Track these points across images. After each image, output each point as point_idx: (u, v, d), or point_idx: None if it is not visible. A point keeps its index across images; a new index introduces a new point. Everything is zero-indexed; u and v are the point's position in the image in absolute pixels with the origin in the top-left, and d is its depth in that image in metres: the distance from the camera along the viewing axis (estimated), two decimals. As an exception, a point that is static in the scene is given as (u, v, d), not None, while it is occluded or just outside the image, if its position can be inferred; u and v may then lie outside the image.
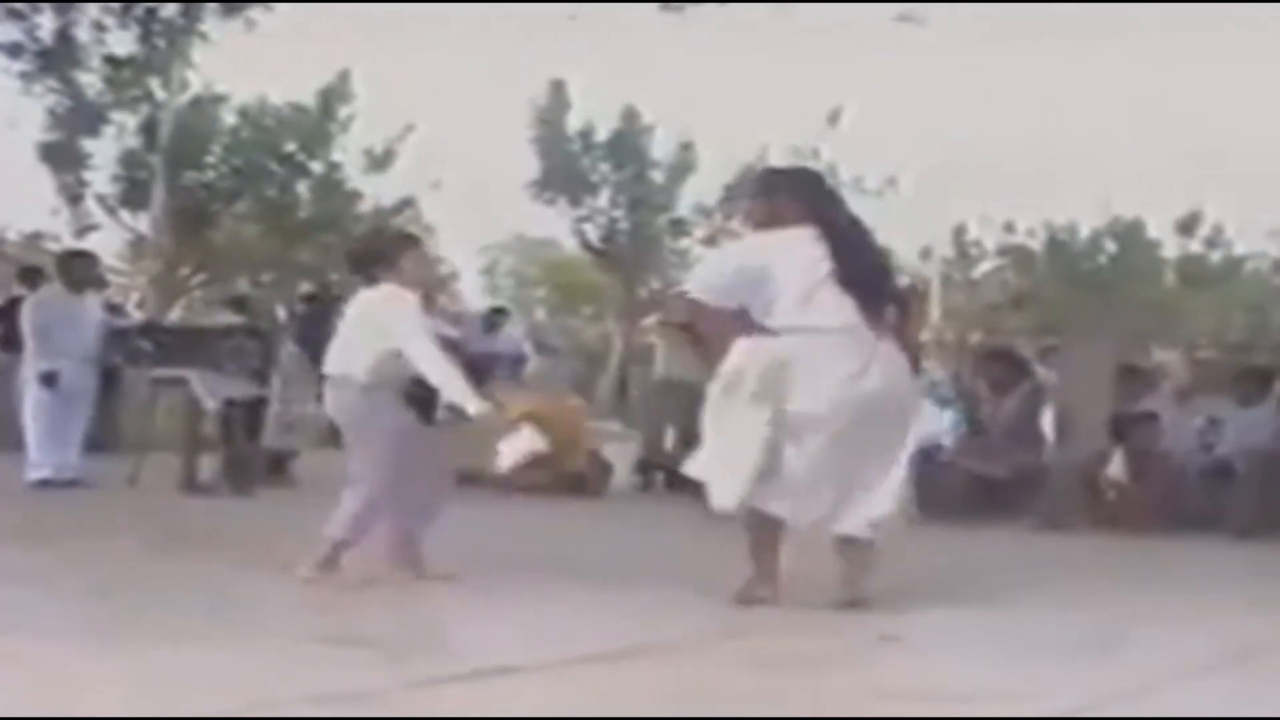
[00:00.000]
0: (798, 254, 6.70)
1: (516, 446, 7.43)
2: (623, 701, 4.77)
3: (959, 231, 35.93)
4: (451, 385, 7.14)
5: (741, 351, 6.67)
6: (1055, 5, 24.29)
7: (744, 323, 6.74)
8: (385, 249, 7.44)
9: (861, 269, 6.79)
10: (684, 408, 13.67)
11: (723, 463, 6.70)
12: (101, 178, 27.50)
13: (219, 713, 4.41)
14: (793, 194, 6.96)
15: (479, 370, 19.55)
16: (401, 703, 4.70)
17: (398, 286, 7.20)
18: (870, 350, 6.66)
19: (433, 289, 7.52)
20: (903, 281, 7.21)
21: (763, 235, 6.91)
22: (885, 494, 6.74)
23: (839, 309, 6.66)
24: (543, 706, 4.71)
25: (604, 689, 5.00)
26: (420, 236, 7.69)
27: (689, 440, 13.39)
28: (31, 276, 14.18)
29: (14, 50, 16.39)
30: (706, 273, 7.24)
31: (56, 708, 4.40)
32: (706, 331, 7.09)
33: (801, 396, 6.58)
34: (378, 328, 7.14)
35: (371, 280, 7.27)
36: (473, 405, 7.14)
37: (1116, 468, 11.29)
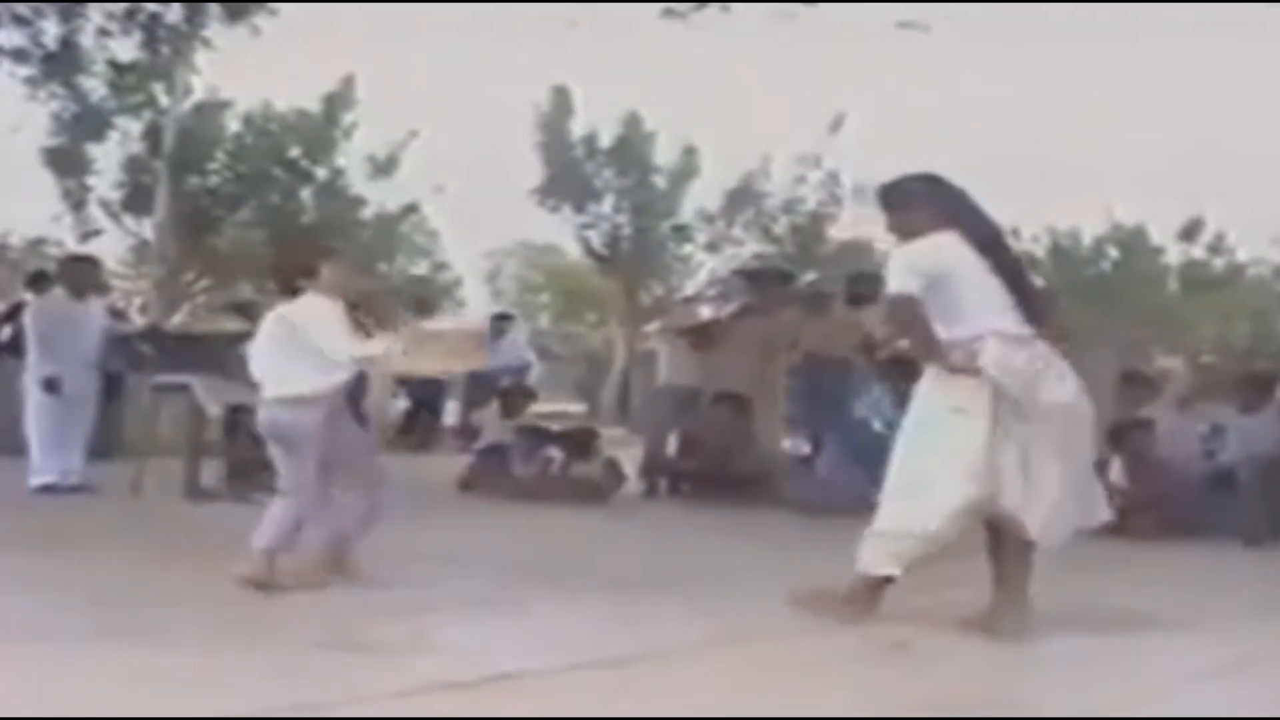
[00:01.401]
0: (964, 257, 6.53)
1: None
2: (625, 708, 4.78)
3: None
4: (356, 349, 7.27)
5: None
6: (1058, 11, 24.29)
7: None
8: (304, 259, 7.48)
9: (1017, 272, 6.72)
10: (686, 413, 13.75)
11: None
12: (105, 183, 27.50)
13: (219, 718, 4.42)
14: (929, 201, 6.74)
15: (484, 376, 19.61)
16: (400, 709, 4.70)
17: (316, 295, 7.25)
18: (1047, 354, 6.57)
19: (352, 299, 7.56)
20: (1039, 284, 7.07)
21: (936, 237, 6.60)
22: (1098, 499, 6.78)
23: (1011, 313, 6.53)
24: (546, 712, 4.71)
25: (605, 695, 5.00)
26: (338, 248, 7.77)
27: (689, 446, 13.51)
28: (40, 281, 14.18)
29: (18, 55, 16.42)
30: (901, 272, 6.61)
31: (56, 712, 4.40)
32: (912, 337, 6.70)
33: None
34: (302, 340, 7.19)
35: (293, 292, 7.32)
36: (378, 346, 7.40)
37: (1115, 474, 11.28)
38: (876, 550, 6.55)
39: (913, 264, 6.54)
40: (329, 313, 7.20)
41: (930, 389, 6.59)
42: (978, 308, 6.48)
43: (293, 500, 7.14)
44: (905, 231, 6.75)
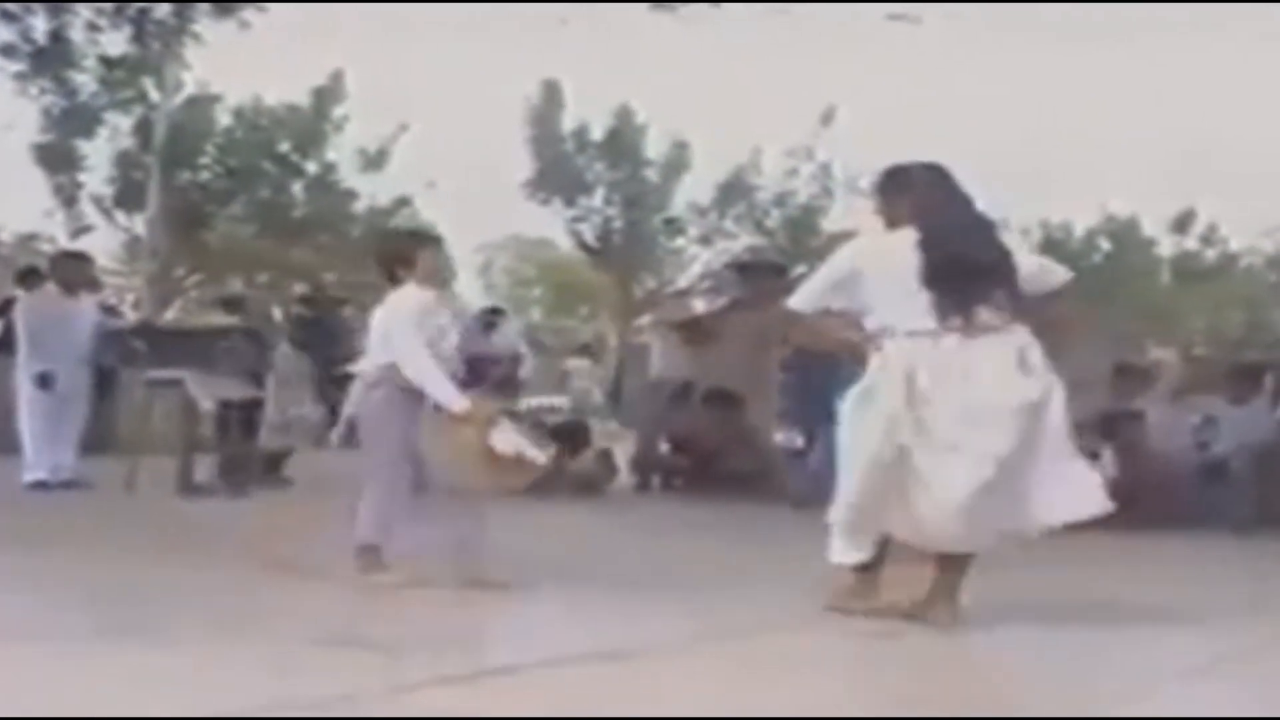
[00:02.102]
0: (896, 256, 6.54)
1: (509, 439, 7.27)
2: (618, 702, 4.77)
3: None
4: (432, 386, 7.05)
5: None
6: (1051, 7, 24.27)
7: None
8: (401, 247, 7.43)
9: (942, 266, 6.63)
10: (679, 407, 13.75)
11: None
12: (96, 179, 27.53)
13: (215, 715, 4.41)
14: (908, 192, 6.78)
15: (475, 371, 19.60)
16: (398, 705, 4.69)
17: (412, 286, 7.20)
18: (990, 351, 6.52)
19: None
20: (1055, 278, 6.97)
21: (865, 238, 6.84)
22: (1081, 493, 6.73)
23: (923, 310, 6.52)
24: (540, 707, 4.71)
25: (599, 690, 5.00)
26: (435, 235, 7.65)
27: (682, 440, 13.51)
28: (30, 278, 14.16)
29: (7, 51, 16.37)
30: (808, 283, 6.91)
31: (50, 711, 4.39)
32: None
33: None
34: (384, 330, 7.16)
35: (394, 280, 7.27)
36: (457, 404, 7.07)
37: (1107, 465, 11.29)
38: (833, 541, 6.61)
39: (820, 272, 6.79)
40: (407, 313, 7.13)
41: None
42: (885, 306, 6.54)
43: (367, 491, 7.10)
44: (889, 220, 6.78)
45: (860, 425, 6.58)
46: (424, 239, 7.66)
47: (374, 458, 7.19)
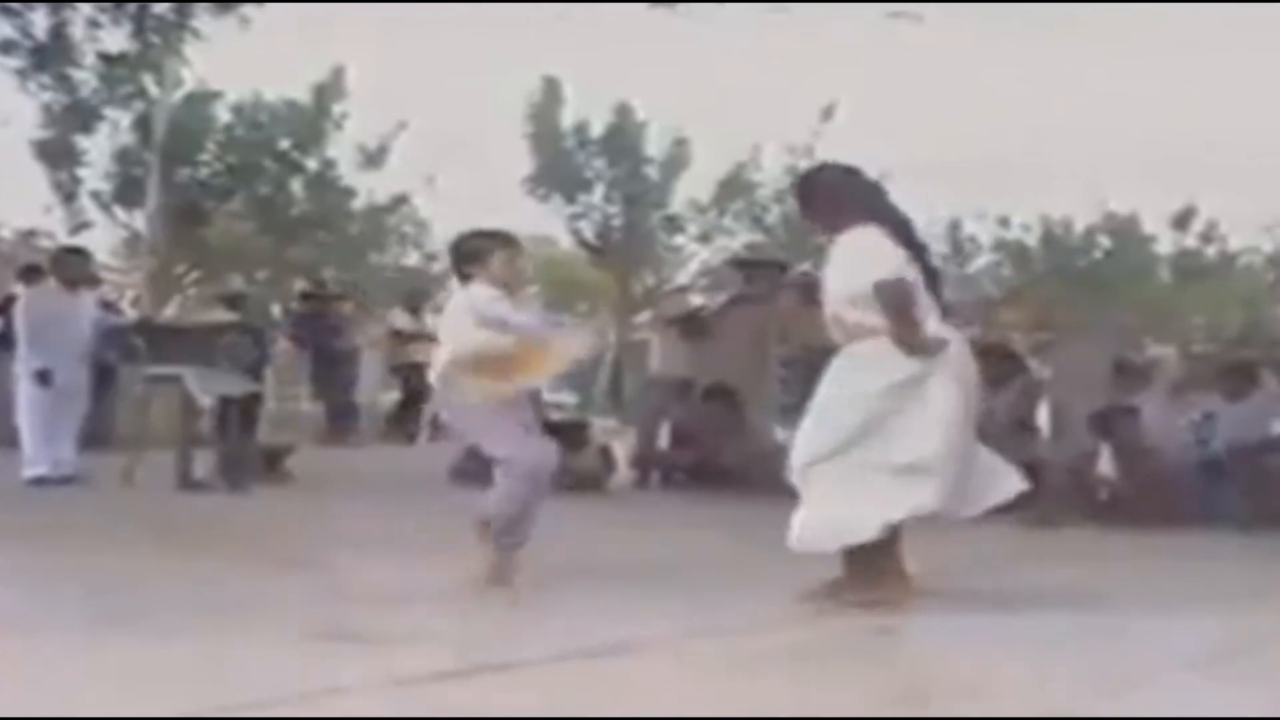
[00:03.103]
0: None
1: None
2: (614, 698, 4.78)
3: (954, 227, 35.90)
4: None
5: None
6: (1049, 4, 24.25)
7: None
8: (479, 247, 7.42)
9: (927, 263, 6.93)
10: (678, 404, 13.75)
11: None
12: (96, 175, 27.51)
13: (213, 709, 4.42)
14: (851, 193, 6.93)
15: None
16: (391, 700, 4.70)
17: (485, 284, 7.21)
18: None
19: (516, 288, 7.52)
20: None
21: (872, 232, 6.81)
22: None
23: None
24: (537, 703, 4.71)
25: (595, 686, 5.01)
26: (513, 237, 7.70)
27: (681, 437, 13.51)
28: (32, 275, 14.17)
29: (7, 47, 16.36)
30: (888, 261, 6.82)
31: (49, 705, 4.40)
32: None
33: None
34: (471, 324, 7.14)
35: (465, 278, 7.29)
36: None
37: (1105, 463, 11.30)
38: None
39: (888, 252, 6.62)
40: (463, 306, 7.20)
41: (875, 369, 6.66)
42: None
43: (509, 469, 7.15)
44: (830, 224, 6.85)
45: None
46: (501, 239, 7.60)
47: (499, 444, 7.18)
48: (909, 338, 6.61)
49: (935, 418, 6.58)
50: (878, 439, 6.61)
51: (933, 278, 6.89)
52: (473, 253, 7.32)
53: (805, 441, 6.83)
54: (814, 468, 6.73)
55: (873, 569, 6.72)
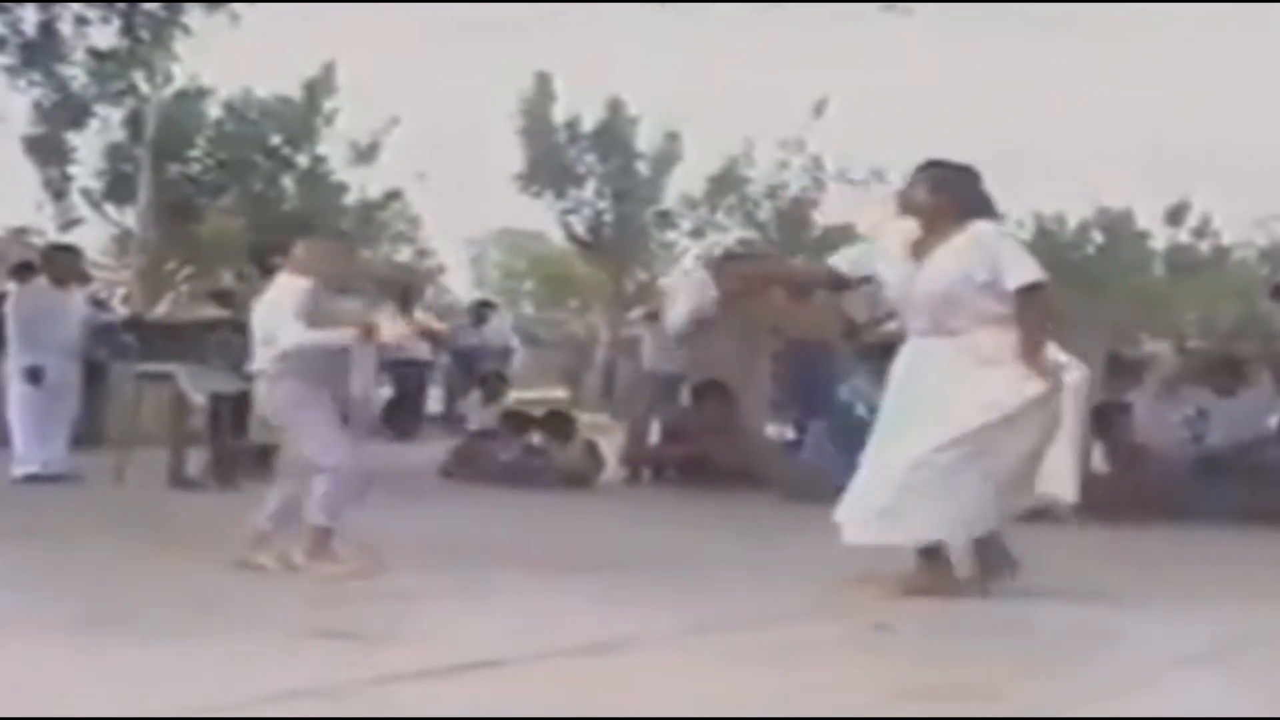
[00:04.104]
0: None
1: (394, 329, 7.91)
2: (606, 695, 4.76)
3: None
4: (319, 338, 7.42)
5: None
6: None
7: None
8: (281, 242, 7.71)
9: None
10: (670, 399, 13.74)
11: None
12: (86, 171, 27.48)
13: (203, 708, 4.40)
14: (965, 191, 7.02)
15: (468, 363, 19.58)
16: (381, 697, 4.68)
17: (288, 275, 7.48)
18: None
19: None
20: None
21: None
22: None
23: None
24: (526, 700, 4.69)
25: (586, 682, 5.00)
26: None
27: (673, 433, 13.49)
28: (23, 272, 14.14)
29: (-3, 43, 16.35)
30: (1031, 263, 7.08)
31: (37, 702, 4.38)
32: None
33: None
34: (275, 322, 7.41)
35: (268, 271, 7.52)
36: (344, 334, 7.51)
37: (1096, 459, 11.29)
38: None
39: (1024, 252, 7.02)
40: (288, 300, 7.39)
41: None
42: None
43: (329, 470, 7.34)
44: (930, 215, 6.91)
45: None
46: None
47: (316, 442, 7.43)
48: (1038, 350, 6.78)
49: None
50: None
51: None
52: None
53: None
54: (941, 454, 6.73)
55: (943, 564, 6.90)
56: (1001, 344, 6.73)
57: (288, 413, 7.46)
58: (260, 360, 7.44)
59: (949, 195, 6.92)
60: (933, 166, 7.09)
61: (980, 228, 6.88)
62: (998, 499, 6.79)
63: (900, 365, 7.02)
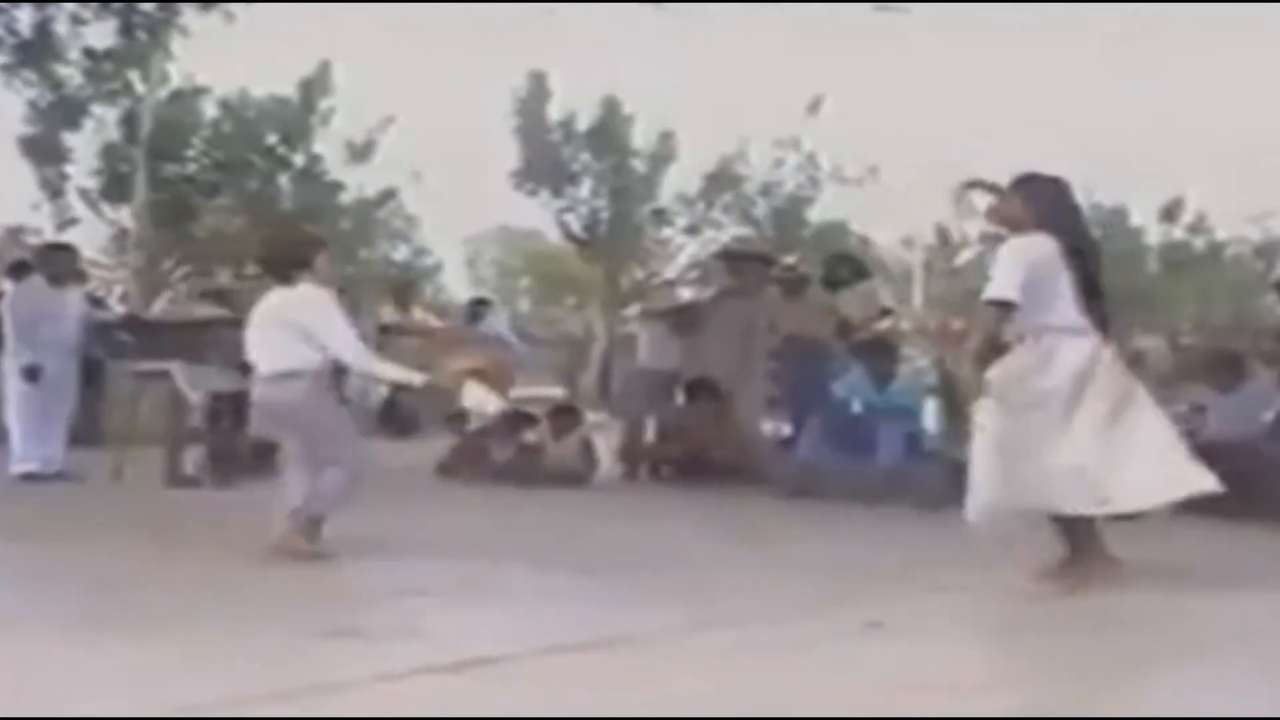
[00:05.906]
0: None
1: (477, 396, 7.88)
2: (604, 692, 4.78)
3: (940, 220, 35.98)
4: (382, 370, 8.08)
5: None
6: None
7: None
8: (299, 250, 7.78)
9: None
10: (665, 397, 13.73)
11: None
12: (82, 171, 27.46)
13: (203, 707, 4.42)
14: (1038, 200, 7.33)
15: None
16: (381, 695, 4.70)
17: (313, 286, 7.62)
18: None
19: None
20: None
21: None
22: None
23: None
24: (525, 697, 4.71)
25: (584, 679, 5.01)
26: (325, 239, 8.29)
27: (668, 430, 13.49)
28: (19, 271, 14.15)
29: (-8, 43, 16.36)
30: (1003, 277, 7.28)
31: (37, 700, 4.40)
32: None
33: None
34: (304, 327, 7.50)
35: (286, 280, 7.65)
36: (414, 378, 7.96)
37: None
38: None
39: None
40: (333, 308, 7.61)
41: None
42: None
43: (343, 467, 7.53)
44: (1014, 227, 7.35)
45: None
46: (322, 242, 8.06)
47: (332, 441, 7.64)
48: (966, 355, 7.26)
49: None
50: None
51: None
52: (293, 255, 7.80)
53: None
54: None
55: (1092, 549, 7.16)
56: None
57: (306, 410, 7.50)
58: (284, 359, 7.53)
59: (1031, 207, 7.30)
60: (1026, 181, 7.33)
61: (1014, 241, 7.18)
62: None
63: None
